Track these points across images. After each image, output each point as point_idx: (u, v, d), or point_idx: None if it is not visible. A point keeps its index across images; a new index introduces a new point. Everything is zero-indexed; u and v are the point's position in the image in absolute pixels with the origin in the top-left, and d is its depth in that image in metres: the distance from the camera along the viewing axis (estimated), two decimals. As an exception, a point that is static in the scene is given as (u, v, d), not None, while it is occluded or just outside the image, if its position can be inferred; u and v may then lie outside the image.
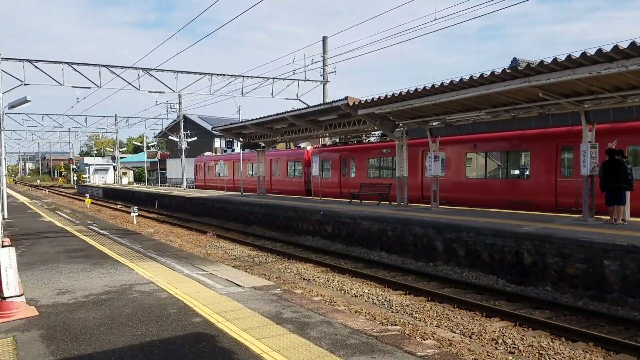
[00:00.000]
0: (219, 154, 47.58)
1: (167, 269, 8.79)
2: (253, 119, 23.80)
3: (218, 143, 63.83)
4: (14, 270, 5.62)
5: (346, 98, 16.94)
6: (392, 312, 9.38)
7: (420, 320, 8.79)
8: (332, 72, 32.03)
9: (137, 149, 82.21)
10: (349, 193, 22.42)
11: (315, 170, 22.66)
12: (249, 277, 8.54)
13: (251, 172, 36.18)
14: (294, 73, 30.88)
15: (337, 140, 28.92)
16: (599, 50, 9.89)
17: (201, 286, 7.29)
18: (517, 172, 18.61)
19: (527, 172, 17.87)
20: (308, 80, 31.47)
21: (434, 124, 17.05)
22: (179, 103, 53.64)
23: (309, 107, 20.13)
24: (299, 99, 31.00)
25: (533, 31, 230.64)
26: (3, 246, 5.63)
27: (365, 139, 27.14)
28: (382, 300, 10.14)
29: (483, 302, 10.16)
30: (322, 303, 7.15)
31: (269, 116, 22.21)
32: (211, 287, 7.24)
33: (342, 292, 11.20)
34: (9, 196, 37.29)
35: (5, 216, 18.71)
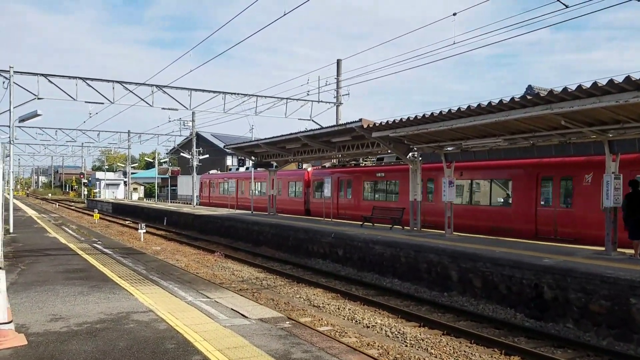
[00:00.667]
0: (222, 172, 47.56)
1: (169, 295, 8.37)
2: (266, 138, 23.53)
3: (230, 161, 63.80)
4: (3, 295, 5.23)
5: (360, 120, 16.60)
6: (406, 346, 8.84)
7: (436, 357, 8.25)
8: (346, 94, 31.83)
9: (149, 165, 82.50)
10: (345, 214, 22.29)
11: (327, 191, 22.30)
12: (256, 307, 8.06)
13: (255, 191, 36.50)
14: (308, 94, 30.69)
15: (336, 163, 28.97)
16: (627, 78, 9.45)
17: (204, 316, 6.83)
18: (500, 199, 19.14)
19: (510, 200, 18.39)
20: (322, 101, 31.26)
21: (449, 149, 16.61)
22: (192, 120, 53.83)
23: (322, 127, 19.81)
24: (312, 120, 30.77)
25: (547, 59, 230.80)
26: (-8, 271, 5.25)
27: (362, 163, 27.27)
28: (396, 332, 9.60)
29: (502, 338, 9.59)
30: (334, 340, 6.63)
31: (282, 136, 21.91)
32: (215, 317, 6.78)
33: (354, 321, 10.68)
34: (17, 209, 37.24)
35: (11, 231, 18.44)
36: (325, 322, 10.48)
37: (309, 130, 20.28)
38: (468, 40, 49.82)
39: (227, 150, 61.34)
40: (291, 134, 21.20)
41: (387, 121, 15.35)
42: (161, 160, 61.01)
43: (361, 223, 20.91)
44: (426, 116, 13.90)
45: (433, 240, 15.65)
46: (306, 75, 34.21)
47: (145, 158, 76.55)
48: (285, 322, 7.03)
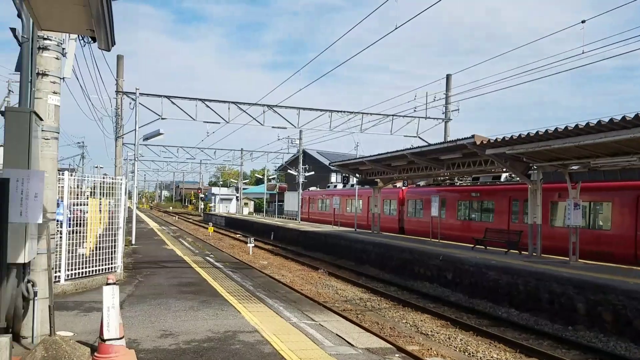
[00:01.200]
0: (321, 189, 47.97)
1: (274, 315, 8.25)
2: (371, 156, 23.22)
3: (334, 178, 64.31)
4: (116, 310, 5.34)
5: (473, 136, 15.68)
6: (527, 389, 7.91)
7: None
8: (456, 110, 30.53)
9: (258, 181, 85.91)
10: (448, 235, 23.31)
11: (435, 210, 21.43)
12: (362, 334, 7.66)
13: (349, 209, 37.11)
14: (415, 110, 29.92)
15: (432, 182, 28.52)
16: None
17: (309, 341, 6.56)
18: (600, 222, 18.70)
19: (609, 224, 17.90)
20: (429, 117, 30.29)
21: (574, 167, 15.12)
22: (300, 139, 55.19)
23: (430, 144, 19.08)
24: (419, 137, 29.87)
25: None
26: (107, 284, 5.39)
27: (457, 182, 26.59)
28: (515, 370, 8.67)
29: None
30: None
31: (387, 153, 21.46)
32: (319, 343, 6.48)
33: (466, 353, 9.87)
34: (141, 221, 40.27)
35: (133, 242, 19.77)
36: (434, 352, 9.79)
37: (416, 147, 19.63)
38: (592, 52, 46.12)
39: (332, 167, 61.89)
40: (397, 151, 20.67)
41: (504, 137, 14.32)
42: (270, 177, 63.14)
43: (472, 245, 19.72)
44: (549, 132, 12.73)
45: (556, 268, 14.23)
46: (413, 91, 33.56)
47: (256, 175, 79.81)
48: (394, 355, 6.54)
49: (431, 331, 11.53)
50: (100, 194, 11.75)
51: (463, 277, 16.12)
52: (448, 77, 31.66)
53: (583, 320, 11.87)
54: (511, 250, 18.06)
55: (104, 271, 10.35)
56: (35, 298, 5.66)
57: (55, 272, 9.04)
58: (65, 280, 9.32)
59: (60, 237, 9.17)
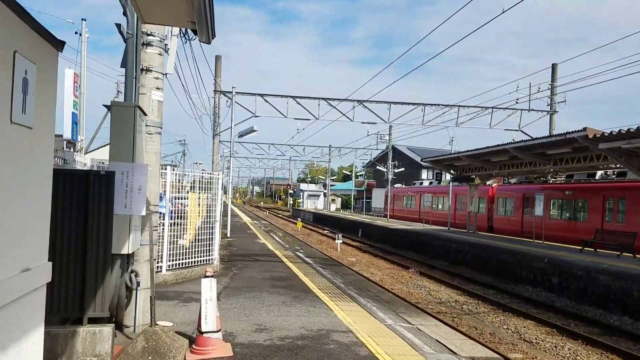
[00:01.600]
0: (406, 186, 47.05)
1: (368, 315, 7.98)
2: (468, 151, 22.18)
3: (425, 174, 62.82)
4: (213, 303, 5.32)
5: (584, 129, 14.38)
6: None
7: None
8: (562, 101, 28.42)
9: (345, 178, 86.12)
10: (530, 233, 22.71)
11: (539, 210, 20.13)
12: (464, 342, 7.15)
13: (438, 206, 36.69)
14: (517, 102, 28.23)
15: (524, 179, 27.48)
16: None
17: (407, 346, 6.17)
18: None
19: None
20: (532, 110, 28.45)
21: None
22: (389, 134, 54.36)
23: (535, 138, 17.76)
24: (521, 130, 28.13)
25: None
26: (205, 276, 5.38)
27: (550, 179, 25.41)
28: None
29: None
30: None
31: (487, 147, 20.36)
32: (419, 349, 6.08)
33: (577, 366, 9.00)
34: (235, 215, 41.69)
35: (228, 235, 20.38)
36: (540, 362, 9.03)
37: (520, 141, 18.39)
38: None
39: (423, 163, 60.51)
40: (498, 145, 19.52)
41: (620, 130, 12.98)
42: (358, 173, 62.95)
43: (581, 248, 18.19)
44: (676, 123, 11.31)
45: (679, 275, 12.70)
46: (516, 81, 31.85)
47: (343, 171, 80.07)
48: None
49: (535, 338, 10.69)
50: (199, 189, 12.14)
51: (570, 282, 14.88)
52: (554, 66, 29.58)
53: None
54: (624, 254, 16.41)
55: (201, 263, 10.71)
56: (138, 288, 5.80)
57: (158, 262, 9.40)
58: (167, 270, 9.70)
59: (163, 229, 9.53)
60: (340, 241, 25.94)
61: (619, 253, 16.43)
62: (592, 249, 18.14)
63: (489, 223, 29.83)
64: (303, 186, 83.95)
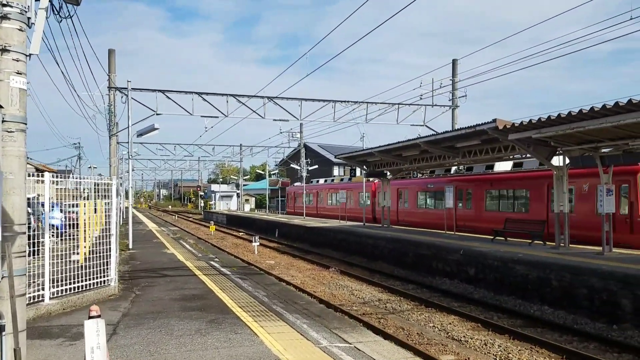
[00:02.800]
0: (299, 184, 48.74)
1: (299, 337, 7.02)
2: (380, 146, 22.01)
3: (337, 171, 63.28)
4: (102, 351, 4.16)
5: (494, 121, 14.49)
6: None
7: None
8: (463, 96, 29.32)
9: (258, 177, 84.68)
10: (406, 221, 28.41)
11: (450, 202, 20.45)
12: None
13: (330, 202, 39.83)
14: (421, 98, 28.70)
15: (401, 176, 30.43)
16: None
17: (349, 376, 5.35)
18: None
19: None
20: (436, 105, 29.08)
21: (604, 150, 13.95)
22: (300, 132, 53.91)
23: (446, 131, 17.85)
24: (426, 125, 28.67)
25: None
26: (90, 317, 4.21)
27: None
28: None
29: None
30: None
31: (399, 142, 20.26)
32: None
33: (510, 364, 8.72)
34: (139, 222, 38.97)
35: (130, 246, 18.53)
36: (475, 363, 8.65)
37: (430, 135, 18.41)
38: (586, 37, 44.76)
39: (336, 160, 60.56)
40: (409, 140, 19.48)
41: (530, 120, 13.13)
42: (271, 172, 61.95)
43: (492, 237, 18.56)
44: (583, 112, 11.54)
45: (590, 260, 13.09)
46: (419, 78, 32.29)
47: (256, 170, 78.64)
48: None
49: (464, 336, 10.39)
50: (95, 196, 10.67)
51: (487, 273, 14.98)
52: (454, 62, 30.39)
53: (630, 319, 10.74)
54: (535, 242, 16.88)
55: (95, 285, 9.10)
56: (3, 334, 4.48)
57: (38, 290, 7.86)
58: (51, 298, 8.05)
59: (31, 252, 7.94)
60: (257, 243, 24.89)
61: (530, 241, 16.86)
62: (503, 238, 18.58)
63: (373, 214, 33.50)
64: (214, 187, 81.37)
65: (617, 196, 16.07)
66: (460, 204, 24.35)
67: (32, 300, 7.70)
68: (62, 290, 8.23)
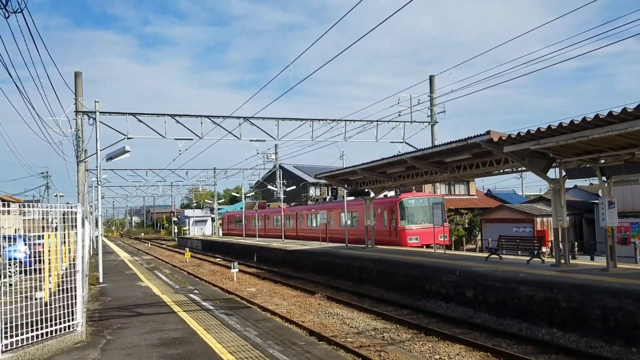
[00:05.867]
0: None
1: None
2: (364, 163, 21.15)
3: (313, 192, 62.40)
4: None
5: (488, 132, 13.78)
6: None
7: None
8: (442, 112, 29.00)
9: (233, 200, 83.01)
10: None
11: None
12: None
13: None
14: (400, 115, 28.21)
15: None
16: None
17: None
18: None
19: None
20: (415, 121, 28.64)
21: (602, 161, 13.35)
22: (276, 153, 53.00)
23: (434, 146, 17.15)
24: (406, 142, 28.16)
25: (634, 69, 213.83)
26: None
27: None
28: None
29: None
30: None
31: (384, 159, 19.42)
32: None
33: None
34: (110, 252, 37.06)
35: (100, 280, 17.02)
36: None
37: (418, 150, 17.62)
38: (549, 55, 45.37)
39: (311, 180, 59.46)
40: (395, 156, 18.67)
41: (529, 131, 12.44)
42: (247, 194, 60.61)
43: (486, 256, 17.77)
44: (587, 120, 10.87)
45: (598, 277, 12.35)
46: (395, 96, 31.92)
47: (231, 193, 77.02)
48: None
49: (476, 370, 9.41)
50: (63, 227, 9.45)
51: (487, 295, 14.09)
52: (431, 78, 30.15)
53: (651, 340, 9.96)
54: (534, 259, 16.10)
55: (59, 332, 7.74)
56: None
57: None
58: (4, 351, 6.66)
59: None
60: (236, 270, 23.60)
61: (528, 259, 16.08)
62: (498, 257, 17.81)
63: (282, 233, 41.16)
64: (188, 212, 79.26)
65: (389, 216, 28.19)
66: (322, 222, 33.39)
67: (-23, 358, 6.38)
68: (18, 340, 6.88)
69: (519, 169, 15.91)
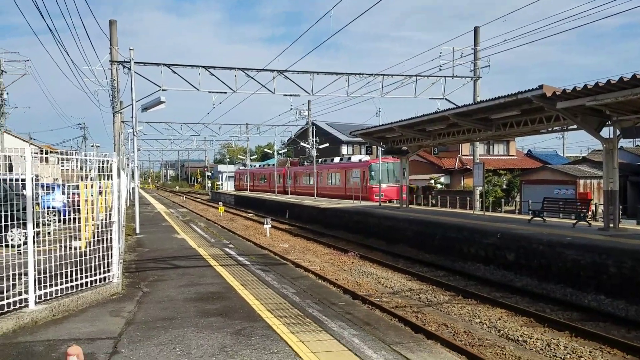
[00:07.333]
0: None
1: (353, 358, 5.25)
2: (402, 120, 20.39)
3: (345, 150, 61.81)
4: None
5: (541, 87, 12.87)
6: None
7: None
8: (486, 66, 27.58)
9: (264, 157, 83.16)
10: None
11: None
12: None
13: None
14: (440, 69, 27.02)
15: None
16: None
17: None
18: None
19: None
20: (456, 76, 27.42)
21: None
22: (308, 109, 52.23)
23: (481, 101, 16.23)
24: (446, 99, 27.09)
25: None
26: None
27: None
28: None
29: None
30: None
31: (423, 115, 18.64)
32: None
33: (586, 371, 7.34)
34: (146, 204, 37.67)
35: (137, 231, 17.13)
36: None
37: (462, 106, 16.76)
38: (592, 10, 42.58)
39: (344, 139, 58.89)
40: (436, 112, 17.92)
41: (585, 85, 11.54)
42: (279, 151, 60.51)
43: (529, 218, 17.09)
44: (655, 73, 9.93)
45: (653, 242, 11.61)
46: (438, 47, 30.44)
47: (264, 149, 77.05)
48: None
49: (520, 335, 8.99)
50: (99, 176, 9.36)
51: (530, 258, 13.53)
52: (476, 29, 28.60)
53: None
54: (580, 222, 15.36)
55: (94, 284, 7.62)
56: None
57: (21, 293, 6.46)
58: (37, 302, 6.53)
59: (26, 242, 6.49)
60: (269, 226, 23.59)
61: (574, 222, 15.35)
62: (541, 219, 17.10)
63: (285, 189, 48.32)
64: (221, 167, 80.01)
65: (362, 177, 33.93)
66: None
67: (12, 307, 6.29)
68: (52, 292, 6.77)
69: (570, 127, 14.96)
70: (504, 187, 34.33)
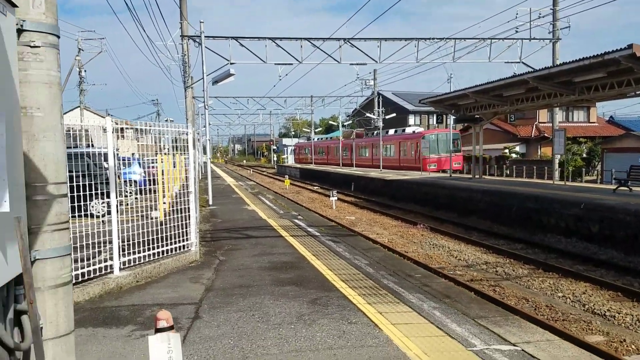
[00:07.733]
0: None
1: (439, 334, 5.08)
2: (476, 86, 19.48)
3: (412, 120, 60.53)
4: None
5: (630, 46, 11.78)
6: None
7: None
8: (566, 27, 25.74)
9: (328, 129, 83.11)
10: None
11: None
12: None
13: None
14: (517, 31, 25.53)
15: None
16: None
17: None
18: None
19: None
20: (534, 38, 25.79)
21: None
22: (374, 78, 51.32)
23: (563, 63, 15.16)
24: (523, 62, 25.58)
25: None
26: (157, 329, 2.78)
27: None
28: None
29: None
30: None
31: (500, 80, 17.68)
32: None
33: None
34: (217, 177, 38.80)
35: (210, 202, 17.62)
36: (635, 347, 6.77)
37: (543, 69, 15.73)
38: None
39: (411, 109, 57.64)
40: (514, 76, 16.94)
41: (687, 41, 10.39)
42: (344, 123, 60.23)
43: (614, 188, 15.99)
44: None
45: None
46: (514, 7, 28.69)
47: (329, 122, 77.00)
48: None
49: (607, 310, 8.45)
50: (174, 149, 9.61)
51: (616, 230, 12.67)
52: (556, -14, 26.64)
53: None
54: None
55: (174, 252, 7.89)
56: (44, 339, 3.13)
57: (106, 260, 6.75)
58: (122, 269, 6.88)
59: (109, 212, 6.74)
60: (335, 198, 23.54)
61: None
62: (627, 189, 15.95)
63: (351, 161, 47.98)
64: (286, 141, 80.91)
65: (415, 149, 35.30)
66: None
67: (98, 273, 6.59)
68: (134, 259, 7.07)
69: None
70: (584, 156, 32.38)
